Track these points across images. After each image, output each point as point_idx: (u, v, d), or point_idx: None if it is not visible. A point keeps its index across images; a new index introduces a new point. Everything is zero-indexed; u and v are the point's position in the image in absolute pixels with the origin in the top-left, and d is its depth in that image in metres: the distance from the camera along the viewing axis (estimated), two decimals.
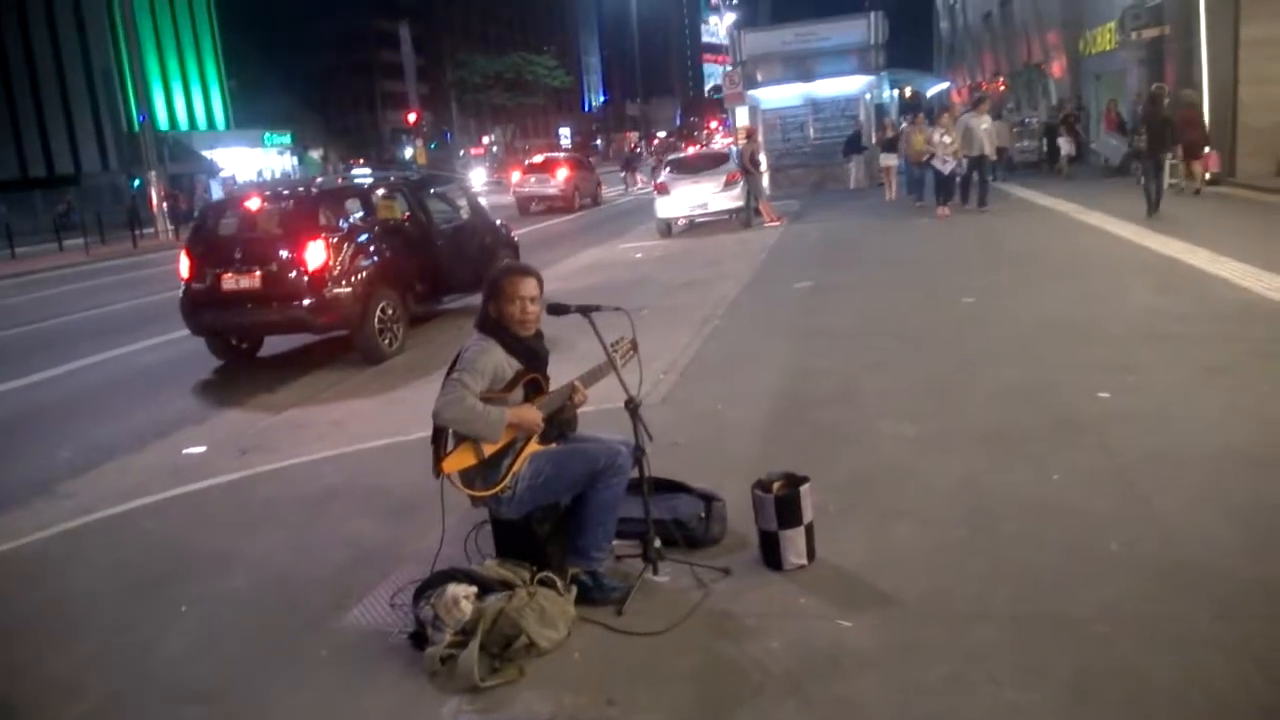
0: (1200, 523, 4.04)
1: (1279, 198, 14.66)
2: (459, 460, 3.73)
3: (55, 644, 4.03)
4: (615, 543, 4.05)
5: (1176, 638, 3.24)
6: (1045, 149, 23.88)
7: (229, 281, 9.10)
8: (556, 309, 3.97)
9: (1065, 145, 22.05)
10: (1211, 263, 9.66)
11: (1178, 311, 7.93)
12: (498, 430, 3.70)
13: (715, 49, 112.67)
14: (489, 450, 3.74)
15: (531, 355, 3.90)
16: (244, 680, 3.58)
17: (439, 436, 3.75)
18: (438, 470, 3.75)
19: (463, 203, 11.92)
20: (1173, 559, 3.76)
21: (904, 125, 21.36)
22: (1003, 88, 33.16)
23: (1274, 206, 14.08)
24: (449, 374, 3.74)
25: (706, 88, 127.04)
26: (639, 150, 60.75)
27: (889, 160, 20.93)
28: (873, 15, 26.37)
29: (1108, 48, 22.75)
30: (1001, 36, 35.63)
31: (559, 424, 4.02)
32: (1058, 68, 28.00)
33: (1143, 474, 4.62)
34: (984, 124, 16.68)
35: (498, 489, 3.78)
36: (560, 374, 4.08)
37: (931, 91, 44.21)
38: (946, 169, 16.63)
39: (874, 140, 24.06)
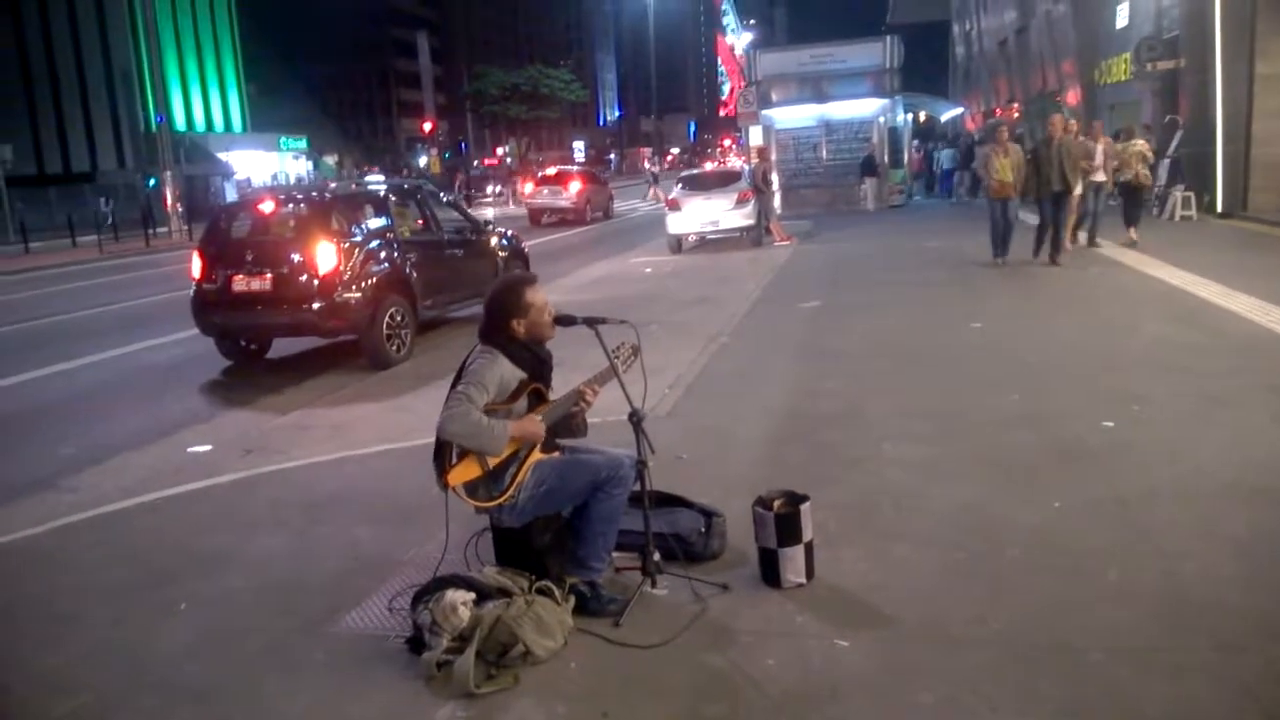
0: (1200, 554, 4.03)
1: None
2: (464, 472, 3.74)
3: (50, 638, 4.04)
4: (615, 555, 4.06)
5: (1173, 668, 3.22)
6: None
7: (240, 283, 9.15)
8: (563, 320, 3.99)
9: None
10: (1222, 296, 9.65)
11: (1186, 343, 7.93)
12: (501, 444, 3.71)
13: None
14: (493, 462, 3.75)
15: (539, 363, 3.92)
16: (239, 681, 3.58)
17: (442, 448, 3.76)
18: (443, 483, 3.76)
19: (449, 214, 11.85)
20: (1172, 590, 3.75)
21: (984, 147, 15.78)
22: (1016, 115, 33.20)
23: None
24: (454, 387, 3.76)
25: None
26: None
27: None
28: (889, 39, 26.47)
29: (1123, 78, 22.75)
30: (1017, 64, 35.67)
31: (568, 430, 4.04)
32: (1072, 97, 28.04)
33: (1144, 504, 4.61)
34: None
35: (502, 499, 3.78)
36: (565, 385, 4.10)
37: (945, 116, 44.27)
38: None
39: (907, 161, 23.02)
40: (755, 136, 26.28)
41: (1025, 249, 13.09)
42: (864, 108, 25.50)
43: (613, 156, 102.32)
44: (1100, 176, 14.01)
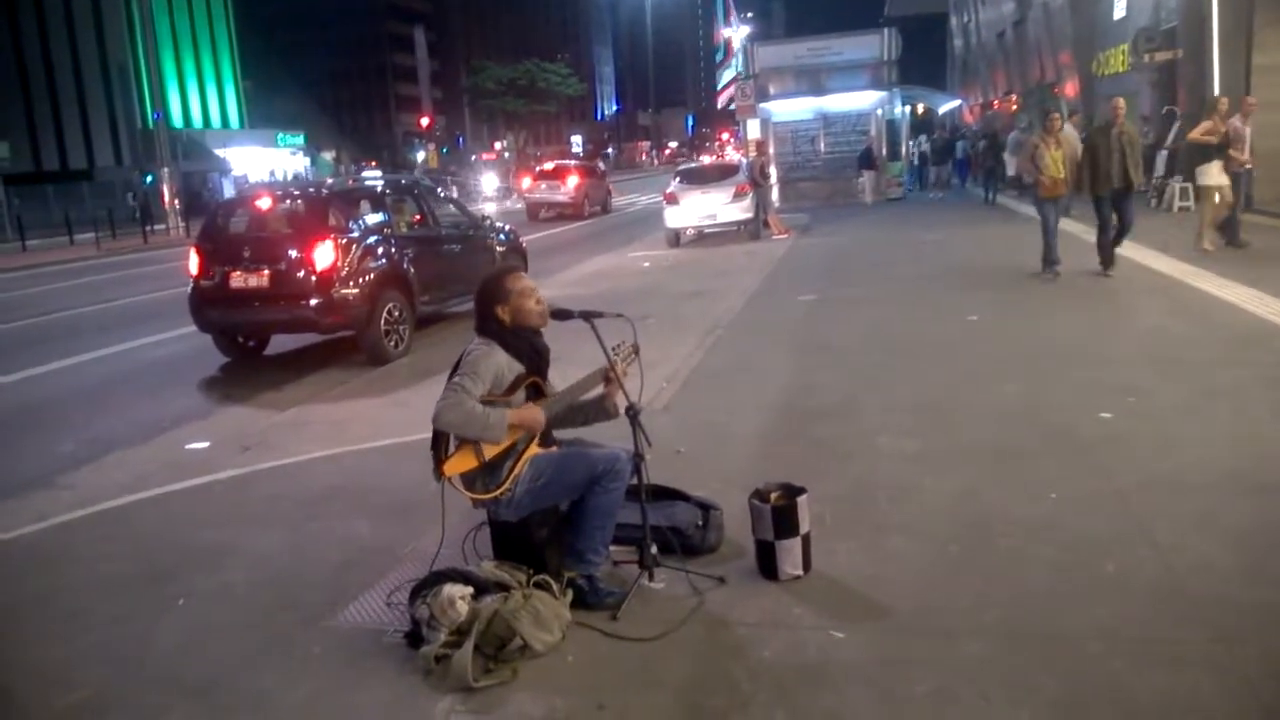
0: (1198, 546, 4.03)
1: None
2: (460, 463, 3.75)
3: (50, 634, 4.05)
4: (612, 548, 4.06)
5: (1170, 659, 3.23)
6: None
7: (237, 279, 9.15)
8: (560, 314, 3.99)
9: None
10: (1220, 287, 9.65)
11: (1182, 335, 7.93)
12: (499, 432, 3.70)
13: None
14: (490, 453, 3.75)
15: (535, 353, 3.91)
16: (238, 675, 3.58)
17: (439, 440, 3.77)
18: (438, 473, 3.76)
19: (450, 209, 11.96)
20: (1169, 581, 3.75)
21: (1025, 133, 12.88)
22: (1015, 107, 33.19)
23: None
24: (451, 378, 3.76)
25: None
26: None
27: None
28: (886, 31, 26.51)
29: (1120, 69, 22.77)
30: (1014, 55, 35.69)
31: (602, 413, 4.12)
32: (1070, 88, 28.03)
33: (1141, 496, 4.62)
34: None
35: (499, 492, 3.79)
36: (563, 380, 4.11)
37: (944, 108, 44.22)
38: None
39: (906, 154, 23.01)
40: (753, 130, 26.29)
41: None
42: (862, 100, 25.52)
43: (610, 150, 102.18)
44: (1249, 164, 12.52)
